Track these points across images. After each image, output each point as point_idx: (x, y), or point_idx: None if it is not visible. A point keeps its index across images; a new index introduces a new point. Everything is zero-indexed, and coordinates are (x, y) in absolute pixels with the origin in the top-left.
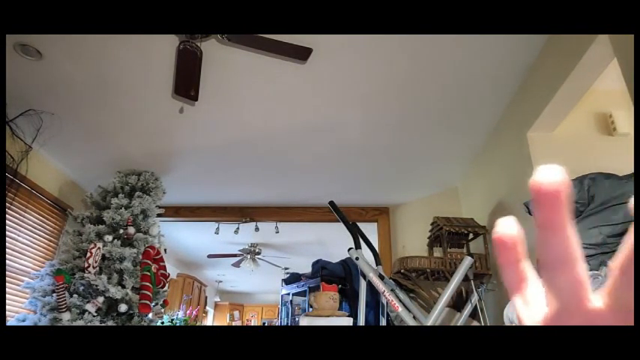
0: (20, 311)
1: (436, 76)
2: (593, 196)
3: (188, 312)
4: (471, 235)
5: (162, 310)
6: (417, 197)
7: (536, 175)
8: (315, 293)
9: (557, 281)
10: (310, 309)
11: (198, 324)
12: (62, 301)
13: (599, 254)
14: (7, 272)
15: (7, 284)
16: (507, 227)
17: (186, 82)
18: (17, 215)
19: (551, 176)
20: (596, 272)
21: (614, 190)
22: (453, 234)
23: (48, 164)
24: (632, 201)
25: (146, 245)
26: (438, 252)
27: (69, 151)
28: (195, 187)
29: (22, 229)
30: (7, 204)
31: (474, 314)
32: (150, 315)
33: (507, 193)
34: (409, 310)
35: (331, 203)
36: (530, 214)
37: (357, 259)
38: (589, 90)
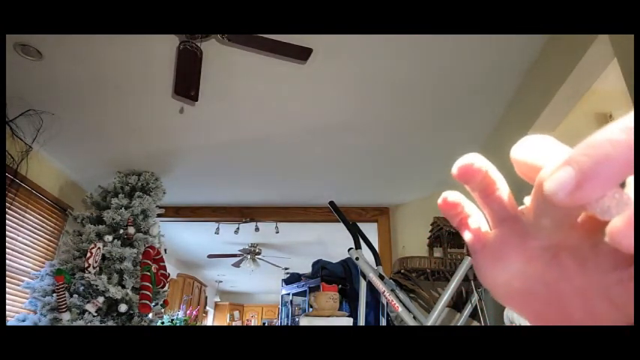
0: (20, 311)
1: (436, 77)
2: None
3: (188, 312)
4: None
5: (163, 310)
6: (417, 197)
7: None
8: (315, 293)
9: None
10: (310, 309)
11: (198, 324)
12: (62, 301)
13: None
14: (7, 272)
15: (7, 284)
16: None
17: (186, 82)
18: (17, 215)
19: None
20: None
21: None
22: (453, 234)
23: (48, 164)
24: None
25: (146, 245)
26: (438, 252)
27: (69, 151)
28: (195, 187)
29: (22, 229)
30: (7, 204)
31: (474, 314)
32: (150, 315)
33: None
34: (409, 311)
35: (331, 203)
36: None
37: (357, 259)
38: (589, 90)
